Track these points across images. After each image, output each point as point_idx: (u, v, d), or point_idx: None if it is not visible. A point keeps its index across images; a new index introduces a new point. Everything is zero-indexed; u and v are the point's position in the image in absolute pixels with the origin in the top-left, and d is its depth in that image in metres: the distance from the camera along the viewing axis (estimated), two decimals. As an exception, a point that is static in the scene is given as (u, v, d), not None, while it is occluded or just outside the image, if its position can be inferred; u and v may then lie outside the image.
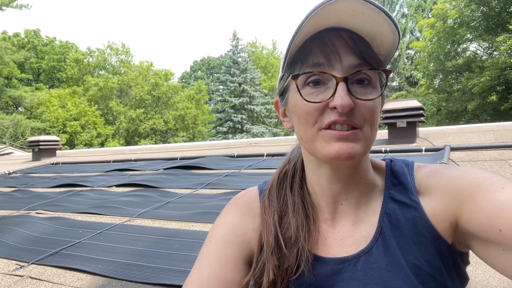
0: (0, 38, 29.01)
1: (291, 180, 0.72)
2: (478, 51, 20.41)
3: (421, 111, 4.34)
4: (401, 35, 0.60)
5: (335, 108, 0.56)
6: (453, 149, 3.70)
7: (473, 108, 18.27)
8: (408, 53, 29.97)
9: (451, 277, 0.59)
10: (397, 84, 28.65)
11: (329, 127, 0.57)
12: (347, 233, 0.65)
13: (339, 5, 0.54)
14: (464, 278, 0.62)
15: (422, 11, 29.94)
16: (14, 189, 4.54)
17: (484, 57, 19.61)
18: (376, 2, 0.54)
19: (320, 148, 0.58)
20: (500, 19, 17.92)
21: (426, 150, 3.77)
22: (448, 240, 0.59)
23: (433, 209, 0.59)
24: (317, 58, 0.58)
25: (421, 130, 5.10)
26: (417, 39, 28.18)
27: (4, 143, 18.82)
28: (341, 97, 0.55)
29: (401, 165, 0.67)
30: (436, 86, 21.73)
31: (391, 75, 0.62)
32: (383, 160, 0.72)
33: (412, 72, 28.63)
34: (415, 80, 28.51)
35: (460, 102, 19.51)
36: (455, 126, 5.64)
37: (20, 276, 1.91)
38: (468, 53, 20.34)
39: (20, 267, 2.02)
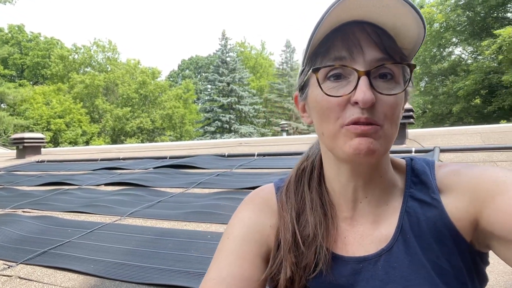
0: (-18, 33, 28.29)
1: (309, 177, 0.70)
2: (463, 55, 20.86)
3: (411, 113, 4.40)
4: (426, 28, 0.59)
5: (356, 103, 0.55)
6: (442, 150, 3.75)
7: (458, 110, 18.64)
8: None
9: (471, 277, 0.58)
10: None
11: (350, 124, 0.56)
12: (367, 232, 0.64)
13: None
14: (484, 278, 0.61)
15: (409, 15, 30.39)
16: (-2, 187, 4.42)
17: (469, 61, 20.05)
18: None
19: (341, 145, 0.57)
20: (485, 24, 18.34)
21: (416, 152, 3.81)
22: (467, 239, 0.58)
23: (454, 208, 0.59)
24: (339, 51, 0.57)
25: (410, 131, 5.16)
26: (404, 42, 28.58)
27: (-14, 140, 18.37)
28: (363, 92, 0.53)
29: (422, 163, 0.67)
30: (422, 89, 22.10)
31: (416, 69, 0.61)
32: (403, 158, 0.71)
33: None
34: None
35: (445, 105, 19.89)
36: (444, 128, 5.73)
37: (8, 276, 1.85)
38: (453, 57, 20.77)
39: (8, 267, 1.96)
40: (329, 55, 0.57)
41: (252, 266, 0.63)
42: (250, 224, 0.68)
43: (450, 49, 20.62)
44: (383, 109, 0.56)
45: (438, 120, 20.53)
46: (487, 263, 0.62)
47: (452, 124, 18.84)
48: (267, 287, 0.66)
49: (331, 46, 0.57)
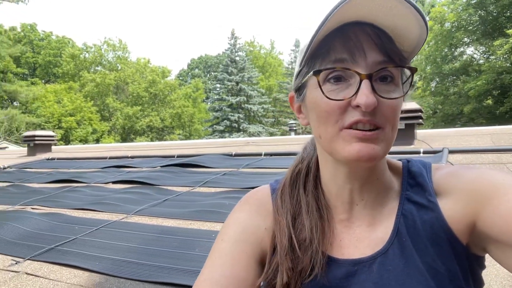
0: (-4, 32, 28.75)
1: (304, 179, 0.70)
2: (475, 55, 20.57)
3: (419, 113, 4.36)
4: (429, 31, 0.58)
5: (358, 106, 0.54)
6: (451, 151, 3.70)
7: (469, 111, 18.40)
8: (406, 56, 30.10)
9: (466, 280, 0.57)
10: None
11: (350, 126, 0.55)
12: (363, 234, 0.63)
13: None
14: (480, 282, 0.61)
15: (420, 14, 30.09)
16: (9, 184, 4.49)
17: (481, 61, 19.76)
18: None
19: (340, 149, 0.56)
20: (498, 24, 18.05)
21: (424, 152, 3.77)
22: (463, 242, 0.58)
23: (450, 211, 0.58)
24: (340, 53, 0.56)
25: (419, 132, 5.11)
26: (415, 41, 28.29)
27: (-1, 137, 18.68)
28: (365, 95, 0.52)
29: (419, 166, 0.66)
30: (433, 89, 21.86)
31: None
32: (400, 160, 0.70)
33: (409, 74, 28.73)
34: (412, 83, 28.66)
35: (456, 105, 19.65)
36: (453, 128, 5.67)
37: (15, 272, 1.88)
38: (465, 56, 20.49)
39: (16, 263, 1.99)
40: (329, 57, 0.56)
41: (245, 268, 0.63)
42: (244, 226, 0.68)
43: (462, 49, 20.35)
44: (384, 112, 0.55)
45: (449, 120, 20.29)
46: (483, 267, 0.61)
47: (463, 125, 18.59)
48: None
49: (332, 47, 0.56)
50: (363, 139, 0.54)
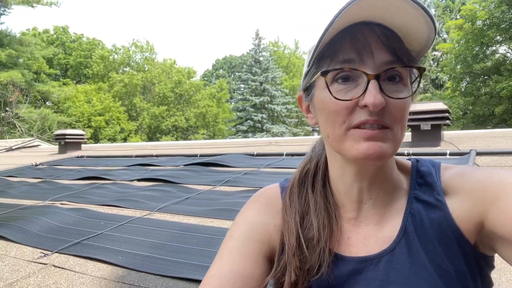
0: (30, 34, 30.00)
1: (312, 179, 0.71)
2: (508, 54, 19.74)
3: (447, 114, 4.24)
4: (437, 31, 0.58)
5: (365, 106, 0.54)
6: (479, 153, 3.59)
7: (501, 112, 17.68)
8: (434, 55, 29.28)
9: (474, 280, 0.57)
10: (422, 86, 28.05)
11: (358, 126, 0.56)
12: (371, 233, 0.64)
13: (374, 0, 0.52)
14: (488, 283, 0.60)
15: (449, 12, 29.20)
16: (40, 180, 4.69)
17: (515, 60, 18.94)
18: None
19: (348, 148, 0.57)
20: (533, 21, 17.26)
21: (451, 154, 3.67)
22: (471, 241, 0.57)
23: (458, 210, 0.58)
24: (348, 54, 0.56)
25: (446, 133, 4.97)
26: (444, 40, 27.48)
27: (32, 135, 19.48)
28: (373, 95, 0.53)
29: (428, 165, 0.66)
30: (463, 89, 21.14)
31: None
32: (409, 160, 0.70)
33: (438, 74, 27.95)
34: (441, 83, 27.84)
35: (488, 106, 18.92)
36: (482, 130, 5.48)
37: (44, 264, 1.97)
38: (497, 55, 19.70)
39: (44, 255, 2.09)
40: (337, 58, 0.57)
41: (254, 264, 0.64)
42: (254, 223, 0.69)
43: (494, 48, 19.57)
44: (392, 112, 0.56)
45: (480, 122, 19.57)
46: (492, 267, 0.60)
47: (494, 127, 17.90)
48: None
49: (340, 48, 0.57)
50: (371, 138, 0.55)
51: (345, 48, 0.57)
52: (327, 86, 0.58)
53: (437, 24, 0.56)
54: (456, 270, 0.56)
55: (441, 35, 30.04)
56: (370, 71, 0.55)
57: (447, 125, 4.44)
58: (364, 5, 0.53)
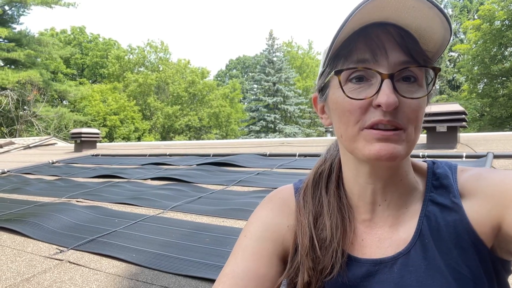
0: (48, 35, 30.64)
1: (326, 180, 0.71)
2: (528, 55, 19.26)
3: (463, 116, 4.16)
4: (453, 31, 0.57)
5: (379, 106, 0.54)
6: (496, 156, 3.52)
7: (519, 114, 17.28)
8: (451, 56, 28.78)
9: (491, 285, 0.56)
10: (438, 87, 27.60)
11: (371, 127, 0.55)
12: (385, 235, 0.63)
13: (388, 0, 0.52)
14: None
15: (467, 12, 28.67)
16: (56, 177, 4.78)
17: (535, 61, 18.49)
18: None
19: (361, 148, 0.57)
20: (554, 21, 16.81)
21: (467, 157, 3.60)
22: (488, 245, 0.56)
23: (475, 213, 0.57)
24: (362, 54, 0.56)
25: (463, 135, 4.88)
26: (461, 41, 27.00)
27: (49, 134, 19.85)
28: (386, 95, 0.53)
29: (444, 167, 0.65)
30: (480, 91, 20.72)
31: (440, 73, 0.59)
32: (425, 162, 0.69)
33: (455, 75, 27.47)
34: (457, 84, 27.36)
35: (506, 108, 18.52)
36: (500, 132, 5.36)
37: (59, 260, 2.01)
38: (516, 56, 19.25)
39: (60, 252, 2.13)
40: (351, 58, 0.57)
41: (267, 264, 0.65)
42: (267, 223, 0.70)
43: (513, 48, 19.14)
44: (406, 113, 0.55)
45: (497, 124, 19.16)
46: (509, 271, 0.59)
47: (513, 129, 17.51)
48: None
49: (354, 48, 0.57)
50: (383, 139, 0.54)
51: (359, 48, 0.57)
52: (341, 85, 0.58)
53: (452, 24, 0.55)
54: (472, 274, 0.55)
55: (458, 36, 29.52)
56: (384, 71, 0.55)
57: (464, 127, 4.36)
58: (377, 6, 0.53)
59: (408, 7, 0.53)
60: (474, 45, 19.79)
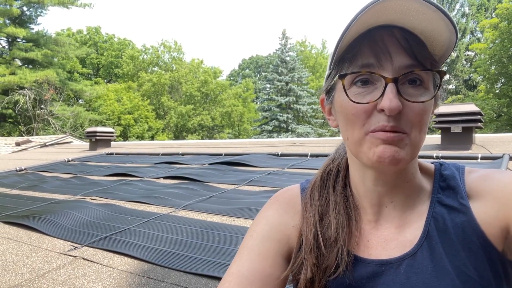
0: (65, 35, 31.17)
1: (334, 179, 0.71)
2: (548, 54, 18.76)
3: (479, 117, 4.09)
4: (459, 34, 0.57)
5: (383, 110, 0.54)
6: (512, 158, 3.45)
7: (538, 115, 16.85)
8: (467, 55, 28.24)
9: (500, 287, 0.56)
10: (454, 87, 27.13)
11: (375, 131, 0.56)
12: (391, 236, 0.63)
13: (392, 3, 0.52)
14: None
15: (484, 11, 28.07)
16: (72, 175, 4.88)
17: (555, 60, 18.00)
18: (433, 0, 0.52)
19: (366, 150, 0.57)
20: None
21: (482, 158, 3.54)
22: (498, 247, 0.56)
23: (483, 214, 0.57)
24: (367, 58, 0.56)
25: (478, 136, 4.80)
26: (478, 40, 26.44)
27: (65, 132, 20.21)
28: (389, 99, 0.53)
29: (451, 168, 0.65)
30: (497, 91, 20.28)
31: (446, 76, 0.59)
32: (433, 163, 0.69)
33: (471, 75, 26.94)
34: (474, 84, 26.82)
35: (524, 109, 18.07)
36: (517, 133, 5.24)
37: (74, 256, 2.06)
38: (536, 55, 18.76)
39: (74, 248, 2.17)
40: (356, 62, 0.57)
41: (272, 263, 0.65)
42: (273, 223, 0.70)
43: (532, 47, 18.66)
44: (410, 117, 0.55)
45: (515, 125, 18.74)
46: None
47: (531, 130, 17.09)
48: (288, 287, 0.68)
49: (359, 52, 0.57)
50: (386, 141, 0.54)
51: (364, 52, 0.57)
52: (344, 89, 0.58)
53: (457, 26, 0.55)
54: (480, 276, 0.55)
55: (475, 35, 28.94)
56: (388, 75, 0.55)
57: (479, 127, 4.28)
58: (382, 9, 0.53)
59: (413, 10, 0.53)
60: (492, 44, 19.37)
